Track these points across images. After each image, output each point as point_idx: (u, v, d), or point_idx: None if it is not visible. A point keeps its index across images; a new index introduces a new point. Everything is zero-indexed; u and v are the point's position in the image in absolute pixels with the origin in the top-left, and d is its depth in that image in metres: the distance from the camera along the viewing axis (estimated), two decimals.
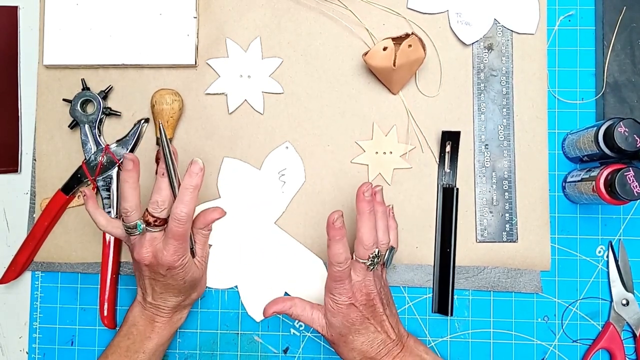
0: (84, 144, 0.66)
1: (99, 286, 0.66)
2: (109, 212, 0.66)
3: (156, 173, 0.66)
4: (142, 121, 0.67)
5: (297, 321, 0.67)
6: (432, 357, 0.59)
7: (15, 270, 0.66)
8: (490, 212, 0.66)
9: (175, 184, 0.58)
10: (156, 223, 0.58)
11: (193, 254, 0.62)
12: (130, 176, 0.58)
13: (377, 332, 0.58)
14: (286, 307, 0.60)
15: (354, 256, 0.58)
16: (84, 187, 0.63)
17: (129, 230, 0.58)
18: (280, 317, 0.67)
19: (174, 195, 0.58)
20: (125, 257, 0.67)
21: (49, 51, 0.67)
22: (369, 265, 0.57)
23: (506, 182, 0.66)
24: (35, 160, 0.68)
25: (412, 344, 0.59)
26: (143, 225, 0.58)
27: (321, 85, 0.68)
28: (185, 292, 0.61)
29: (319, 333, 0.60)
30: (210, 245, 0.67)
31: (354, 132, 0.67)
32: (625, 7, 0.66)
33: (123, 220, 0.59)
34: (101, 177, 0.66)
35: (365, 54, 0.63)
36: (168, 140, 0.58)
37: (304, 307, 0.60)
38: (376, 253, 0.57)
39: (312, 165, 0.67)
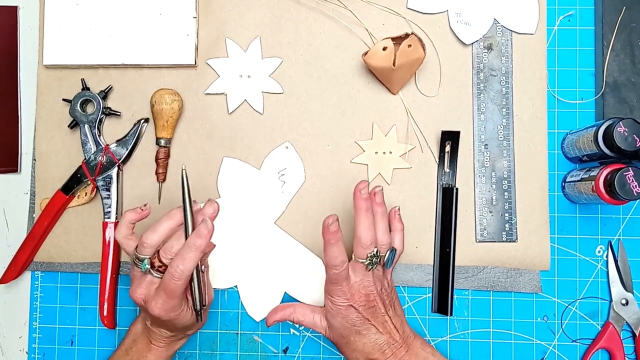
0: (83, 144, 0.66)
1: (98, 286, 0.66)
2: (108, 212, 0.66)
3: (156, 173, 0.67)
4: (142, 121, 0.67)
5: None
6: (438, 358, 0.59)
7: (15, 270, 0.66)
8: (490, 212, 0.66)
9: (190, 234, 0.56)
10: (160, 269, 0.56)
11: (196, 309, 0.58)
12: (176, 219, 0.57)
13: (379, 333, 0.58)
14: (287, 315, 0.60)
15: (352, 256, 0.58)
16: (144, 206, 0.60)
17: (136, 261, 0.57)
18: None
19: None
20: (125, 257, 0.67)
21: (49, 51, 0.67)
22: (367, 264, 0.57)
23: (506, 182, 0.66)
24: (35, 160, 0.68)
25: (418, 346, 0.59)
26: (148, 266, 0.56)
27: (321, 85, 0.68)
28: (179, 331, 0.60)
29: (323, 335, 0.60)
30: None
31: (354, 132, 0.67)
32: (625, 7, 0.66)
33: (136, 249, 0.57)
34: (101, 177, 0.66)
35: (365, 54, 0.64)
36: (189, 190, 0.56)
37: (305, 312, 0.60)
38: (374, 252, 0.57)
39: (312, 165, 0.67)
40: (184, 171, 0.56)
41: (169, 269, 0.54)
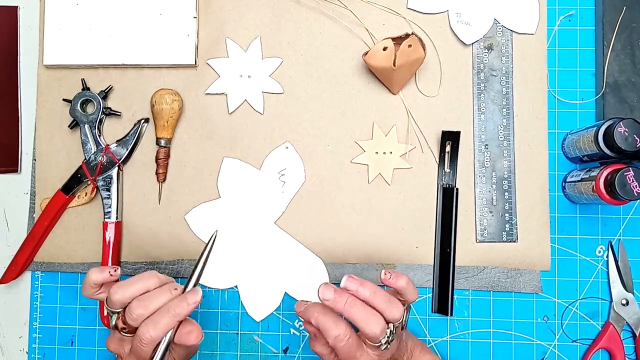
0: (84, 144, 0.66)
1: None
2: (108, 212, 0.66)
3: (156, 173, 0.67)
4: (142, 121, 0.67)
5: (296, 321, 0.67)
6: None
7: (15, 270, 0.66)
8: (490, 212, 0.66)
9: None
10: (124, 330, 0.51)
11: None
12: (148, 284, 0.51)
13: None
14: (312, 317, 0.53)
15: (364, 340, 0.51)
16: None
17: (108, 311, 0.52)
18: (280, 316, 0.67)
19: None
20: (125, 257, 0.67)
21: (49, 51, 0.67)
22: (384, 347, 0.50)
23: (506, 182, 0.66)
24: (35, 160, 0.68)
25: (417, 355, 0.57)
26: (113, 323, 0.51)
27: (321, 85, 0.68)
28: None
29: None
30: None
31: (354, 132, 0.67)
32: (625, 7, 0.66)
33: (108, 297, 0.51)
34: (101, 177, 0.66)
35: (365, 54, 0.63)
36: (208, 255, 0.53)
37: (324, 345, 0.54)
38: (390, 332, 0.50)
39: (312, 165, 0.67)
40: (214, 236, 0.52)
41: (138, 332, 0.49)
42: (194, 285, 0.52)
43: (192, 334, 0.51)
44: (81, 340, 0.68)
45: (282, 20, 0.68)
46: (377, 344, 0.50)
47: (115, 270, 0.52)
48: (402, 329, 0.53)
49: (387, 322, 0.51)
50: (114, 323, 0.51)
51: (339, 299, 0.50)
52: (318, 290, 0.50)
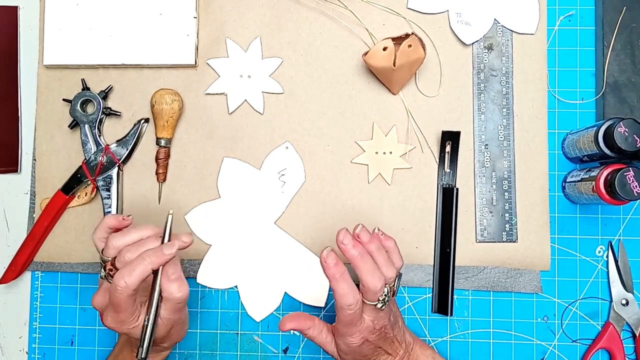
0: (84, 144, 0.66)
1: (98, 286, 0.66)
2: (108, 212, 0.66)
3: (156, 173, 0.67)
4: (142, 121, 0.67)
5: None
6: None
7: (15, 270, 0.66)
8: (490, 212, 0.66)
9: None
10: (110, 273, 0.52)
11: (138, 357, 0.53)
12: (147, 232, 0.54)
13: (387, 354, 0.57)
14: (304, 326, 0.57)
15: (362, 299, 0.54)
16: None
17: (101, 263, 0.54)
18: (280, 316, 0.67)
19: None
20: None
21: (49, 51, 0.67)
22: (381, 305, 0.53)
23: (506, 182, 0.66)
24: (35, 160, 0.68)
25: (417, 351, 0.59)
26: (103, 273, 0.53)
27: (321, 85, 0.68)
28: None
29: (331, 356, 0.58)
30: (210, 246, 0.67)
31: (354, 132, 0.67)
32: (625, 7, 0.66)
33: (107, 243, 0.53)
34: (101, 177, 0.66)
35: (365, 54, 0.63)
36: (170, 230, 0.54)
37: (321, 329, 0.57)
38: (387, 292, 0.53)
39: (312, 165, 0.67)
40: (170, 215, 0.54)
41: (113, 279, 0.50)
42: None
43: (174, 283, 0.52)
44: (81, 340, 0.68)
45: (282, 20, 0.68)
46: (374, 303, 0.53)
47: (128, 216, 0.56)
48: (393, 294, 0.55)
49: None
50: (104, 273, 0.53)
51: (356, 246, 0.53)
52: (338, 234, 0.53)
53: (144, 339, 0.52)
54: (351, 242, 0.53)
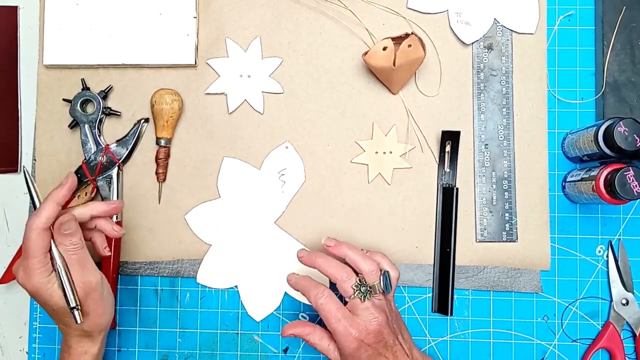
0: (84, 144, 0.66)
1: None
2: None
3: (156, 173, 0.67)
4: (142, 121, 0.67)
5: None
6: None
7: None
8: (490, 211, 0.66)
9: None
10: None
11: (69, 306, 0.55)
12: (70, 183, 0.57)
13: None
14: (305, 333, 0.58)
15: (344, 300, 0.56)
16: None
17: None
18: (280, 316, 0.67)
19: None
20: (125, 257, 0.67)
21: (49, 51, 0.67)
22: (359, 296, 0.55)
23: (506, 181, 0.66)
24: (35, 160, 0.68)
25: (416, 353, 0.58)
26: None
27: (321, 85, 0.68)
28: (60, 320, 0.58)
29: None
30: (210, 246, 0.67)
31: (354, 132, 0.67)
32: (625, 7, 0.66)
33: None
34: (101, 177, 0.66)
35: (365, 53, 0.63)
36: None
37: (322, 336, 0.58)
38: (358, 282, 0.56)
39: (312, 165, 0.67)
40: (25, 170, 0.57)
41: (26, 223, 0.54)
42: (38, 201, 0.56)
43: (67, 237, 0.54)
44: None
45: (282, 20, 0.68)
46: (350, 294, 0.56)
47: (66, 178, 0.57)
48: (382, 291, 0.57)
49: (358, 274, 0.57)
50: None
51: (311, 253, 0.59)
52: (324, 241, 0.59)
53: (64, 285, 0.54)
54: (308, 256, 0.59)
